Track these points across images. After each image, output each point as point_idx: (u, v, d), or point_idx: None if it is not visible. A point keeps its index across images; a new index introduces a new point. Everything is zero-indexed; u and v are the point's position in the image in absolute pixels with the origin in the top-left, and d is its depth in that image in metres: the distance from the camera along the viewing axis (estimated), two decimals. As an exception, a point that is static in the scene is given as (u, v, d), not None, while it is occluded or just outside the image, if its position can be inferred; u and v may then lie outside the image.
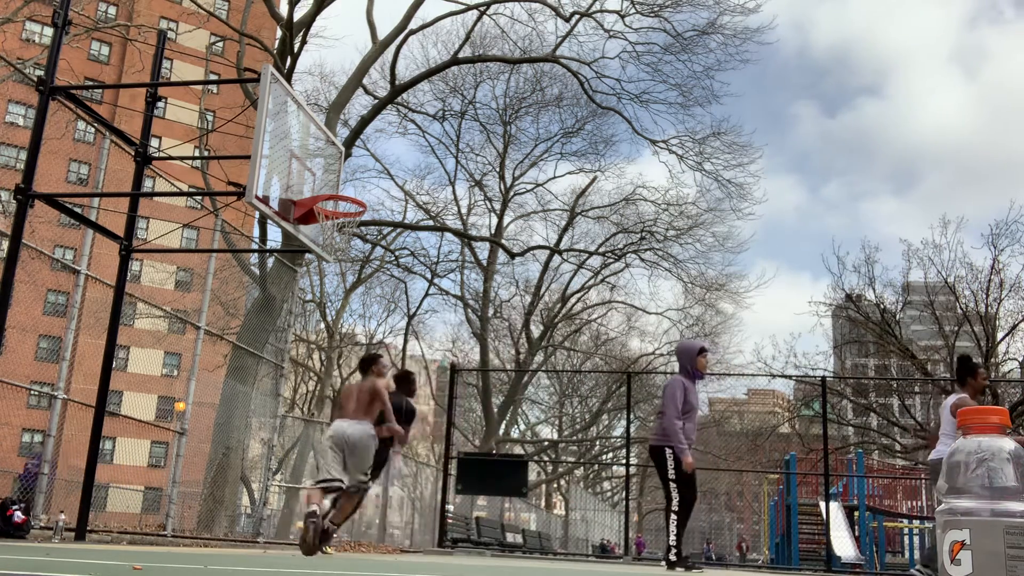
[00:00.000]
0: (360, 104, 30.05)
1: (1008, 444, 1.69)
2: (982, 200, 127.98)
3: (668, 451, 7.41)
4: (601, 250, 32.40)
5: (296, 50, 19.11)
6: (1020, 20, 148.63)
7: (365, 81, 22.18)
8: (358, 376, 7.87)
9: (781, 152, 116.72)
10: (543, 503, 41.20)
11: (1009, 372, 24.74)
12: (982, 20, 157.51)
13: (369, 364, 7.75)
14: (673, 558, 7.29)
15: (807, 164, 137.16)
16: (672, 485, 7.37)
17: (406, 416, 8.60)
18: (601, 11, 23.26)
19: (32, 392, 9.29)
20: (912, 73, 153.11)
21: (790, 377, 30.96)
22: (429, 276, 32.72)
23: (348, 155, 21.79)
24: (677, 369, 7.86)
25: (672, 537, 7.27)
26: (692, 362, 7.69)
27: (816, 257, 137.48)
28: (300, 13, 19.22)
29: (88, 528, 7.84)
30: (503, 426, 33.48)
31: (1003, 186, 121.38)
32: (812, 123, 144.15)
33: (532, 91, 31.21)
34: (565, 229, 32.68)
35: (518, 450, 35.20)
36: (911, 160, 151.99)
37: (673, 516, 7.31)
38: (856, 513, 16.73)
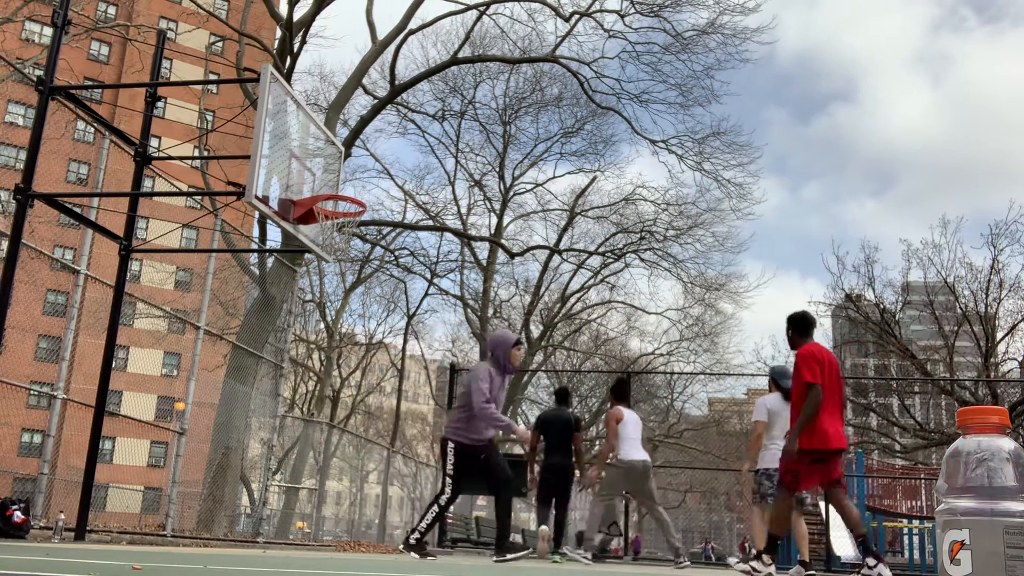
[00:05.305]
0: (360, 104, 30.12)
1: (1008, 444, 1.69)
2: (958, 199, 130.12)
3: (451, 445, 7.31)
4: (601, 250, 32.40)
5: (296, 50, 19.10)
6: (982, 27, 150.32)
7: (365, 81, 22.19)
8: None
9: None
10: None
11: (1009, 372, 24.73)
12: (945, 27, 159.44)
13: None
14: (413, 541, 7.20)
15: (785, 167, 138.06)
16: (447, 480, 7.29)
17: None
18: (601, 11, 23.28)
19: (32, 392, 9.28)
20: (881, 79, 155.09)
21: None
22: (429, 276, 32.74)
23: (348, 155, 21.77)
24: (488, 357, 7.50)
25: (423, 523, 7.20)
26: (507, 354, 7.43)
27: (801, 257, 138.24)
28: (300, 13, 19.23)
29: (88, 528, 7.84)
30: (502, 426, 33.41)
31: (978, 185, 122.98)
32: (786, 127, 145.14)
33: (532, 91, 31.26)
34: (565, 229, 32.69)
35: (518, 450, 35.14)
36: (886, 162, 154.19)
37: (435, 507, 7.25)
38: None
